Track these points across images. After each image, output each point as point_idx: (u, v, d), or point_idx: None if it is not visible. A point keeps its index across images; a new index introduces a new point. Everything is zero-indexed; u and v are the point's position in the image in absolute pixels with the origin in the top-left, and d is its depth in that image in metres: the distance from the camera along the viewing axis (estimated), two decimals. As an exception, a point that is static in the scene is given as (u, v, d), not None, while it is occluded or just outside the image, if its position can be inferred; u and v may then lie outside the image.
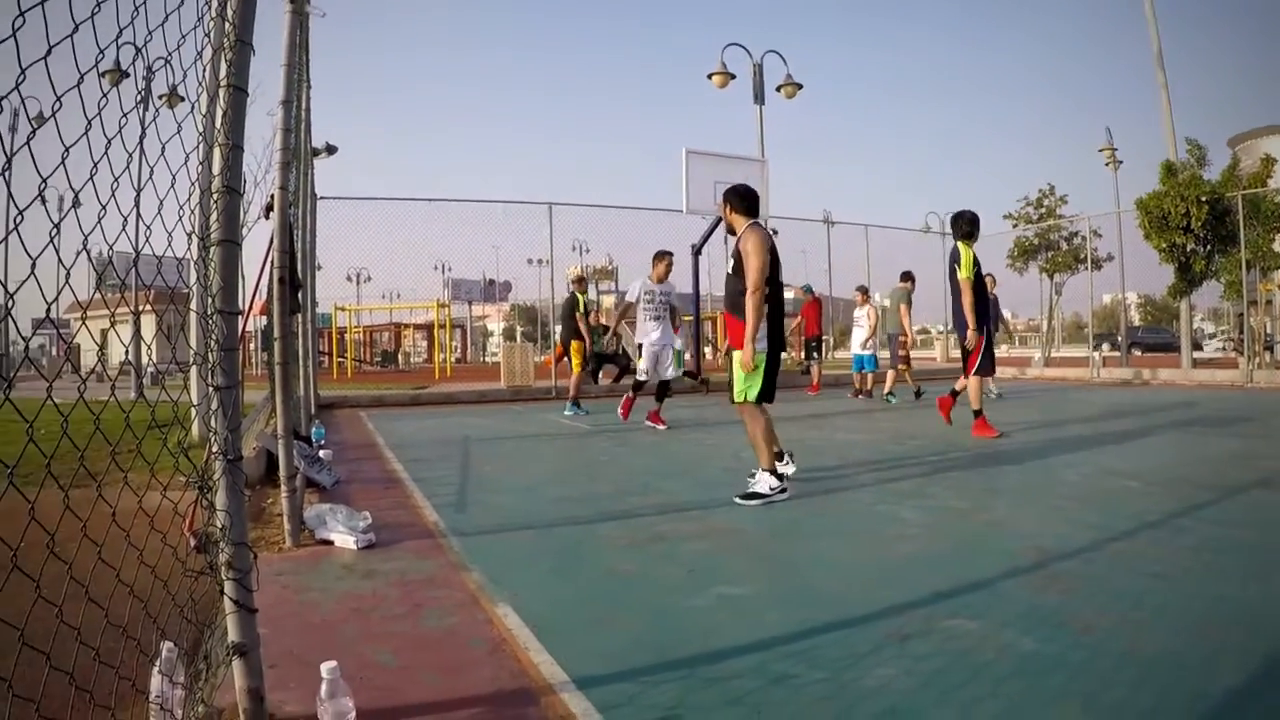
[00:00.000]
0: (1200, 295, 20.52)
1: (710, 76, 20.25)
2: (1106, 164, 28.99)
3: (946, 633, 3.05)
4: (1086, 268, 23.53)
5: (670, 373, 10.44)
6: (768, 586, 3.77)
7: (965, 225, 9.12)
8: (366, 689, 2.56)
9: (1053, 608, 3.32)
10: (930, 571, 3.89)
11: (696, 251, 18.80)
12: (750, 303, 5.53)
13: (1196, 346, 24.68)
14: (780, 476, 5.71)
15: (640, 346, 10.18)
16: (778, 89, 21.12)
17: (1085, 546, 4.23)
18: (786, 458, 6.13)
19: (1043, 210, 26.57)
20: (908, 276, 14.70)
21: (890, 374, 14.50)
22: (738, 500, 5.53)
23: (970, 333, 8.83)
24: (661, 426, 10.22)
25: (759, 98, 20.79)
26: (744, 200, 5.99)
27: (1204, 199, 17.75)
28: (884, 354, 15.03)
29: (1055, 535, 4.49)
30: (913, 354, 14.88)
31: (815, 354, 17.25)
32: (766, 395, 5.85)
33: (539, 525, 5.10)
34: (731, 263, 5.90)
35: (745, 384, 5.79)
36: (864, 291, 15.73)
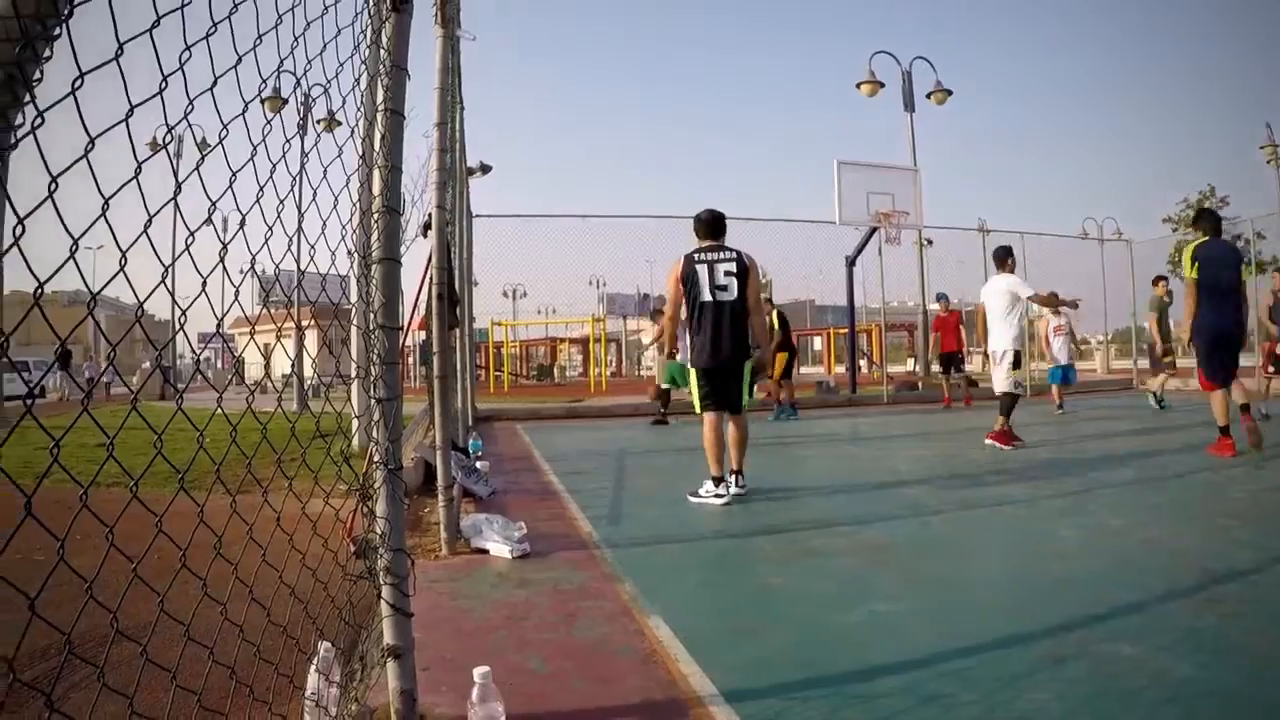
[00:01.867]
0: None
1: (859, 86, 19.97)
2: (1268, 161, 27.08)
3: (1101, 656, 2.89)
4: (1251, 273, 21.96)
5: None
6: (920, 604, 3.65)
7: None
8: (517, 695, 2.59)
9: (1212, 632, 3.11)
10: (1086, 592, 3.71)
11: (851, 263, 18.54)
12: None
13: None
14: (720, 483, 6.16)
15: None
16: (927, 96, 20.68)
17: (1249, 568, 3.94)
18: (731, 479, 6.34)
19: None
20: (1159, 280, 14.11)
21: (1161, 377, 13.98)
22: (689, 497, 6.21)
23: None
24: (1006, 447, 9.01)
25: (909, 105, 20.42)
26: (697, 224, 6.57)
27: None
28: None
29: (1217, 555, 4.21)
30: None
31: (953, 369, 16.34)
32: (708, 404, 6.33)
33: (691, 538, 5.09)
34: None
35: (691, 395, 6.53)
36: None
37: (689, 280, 6.24)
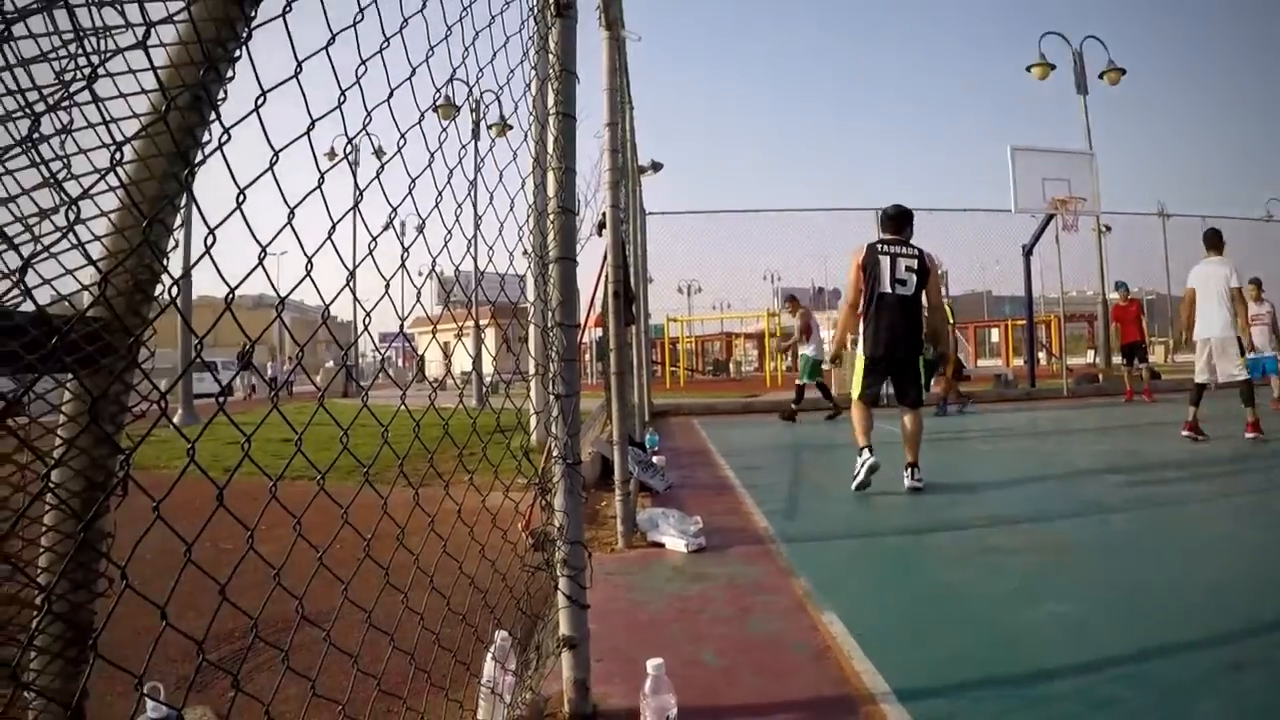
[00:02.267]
0: None
1: (1029, 69, 19.10)
2: None
3: (1282, 664, 2.69)
4: None
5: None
6: (1098, 605, 3.47)
7: None
8: (689, 687, 2.60)
9: None
10: (1269, 596, 3.48)
11: (1028, 252, 17.77)
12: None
13: None
14: (863, 451, 6.23)
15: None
16: (1100, 76, 19.59)
17: None
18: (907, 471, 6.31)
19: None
20: None
21: None
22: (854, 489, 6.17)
23: None
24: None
25: (1081, 87, 19.38)
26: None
27: None
28: None
29: None
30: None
31: (1135, 360, 15.35)
32: (865, 394, 6.40)
33: (867, 534, 5.02)
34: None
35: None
36: (1258, 285, 13.51)
37: (869, 269, 6.21)
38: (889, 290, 6.10)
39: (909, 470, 6.20)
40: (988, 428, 11.40)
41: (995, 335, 46.12)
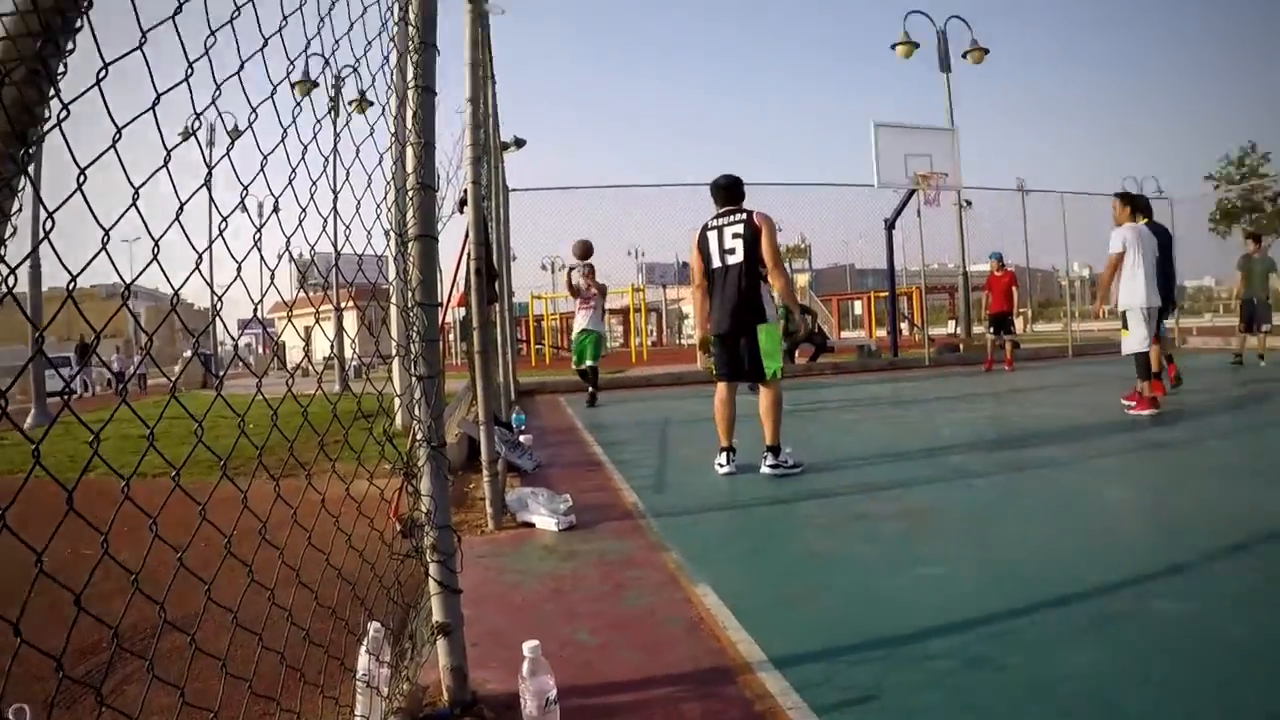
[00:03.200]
0: None
1: (894, 47, 19.71)
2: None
3: (1149, 617, 2.87)
4: None
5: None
6: (966, 567, 3.63)
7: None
8: (567, 667, 2.61)
9: (1262, 592, 3.08)
10: (1134, 553, 3.70)
11: (890, 226, 18.35)
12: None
13: None
14: (722, 453, 6.15)
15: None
16: (963, 55, 20.37)
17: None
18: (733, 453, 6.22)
19: (1244, 170, 24.46)
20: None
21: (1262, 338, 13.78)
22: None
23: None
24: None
25: (944, 65, 20.11)
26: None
27: None
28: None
29: (1268, 515, 4.15)
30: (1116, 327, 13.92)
31: (1001, 330, 15.76)
32: (720, 373, 6.26)
33: (737, 505, 5.11)
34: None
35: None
36: None
37: (703, 247, 6.19)
38: (720, 264, 6.05)
39: (767, 454, 6.02)
40: (852, 398, 11.74)
41: (859, 307, 47.67)
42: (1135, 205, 8.82)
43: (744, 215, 6.04)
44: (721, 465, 6.08)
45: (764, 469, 5.93)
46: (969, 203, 21.55)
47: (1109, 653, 2.58)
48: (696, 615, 3.13)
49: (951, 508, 4.75)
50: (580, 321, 12.57)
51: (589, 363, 12.49)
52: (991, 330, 16.06)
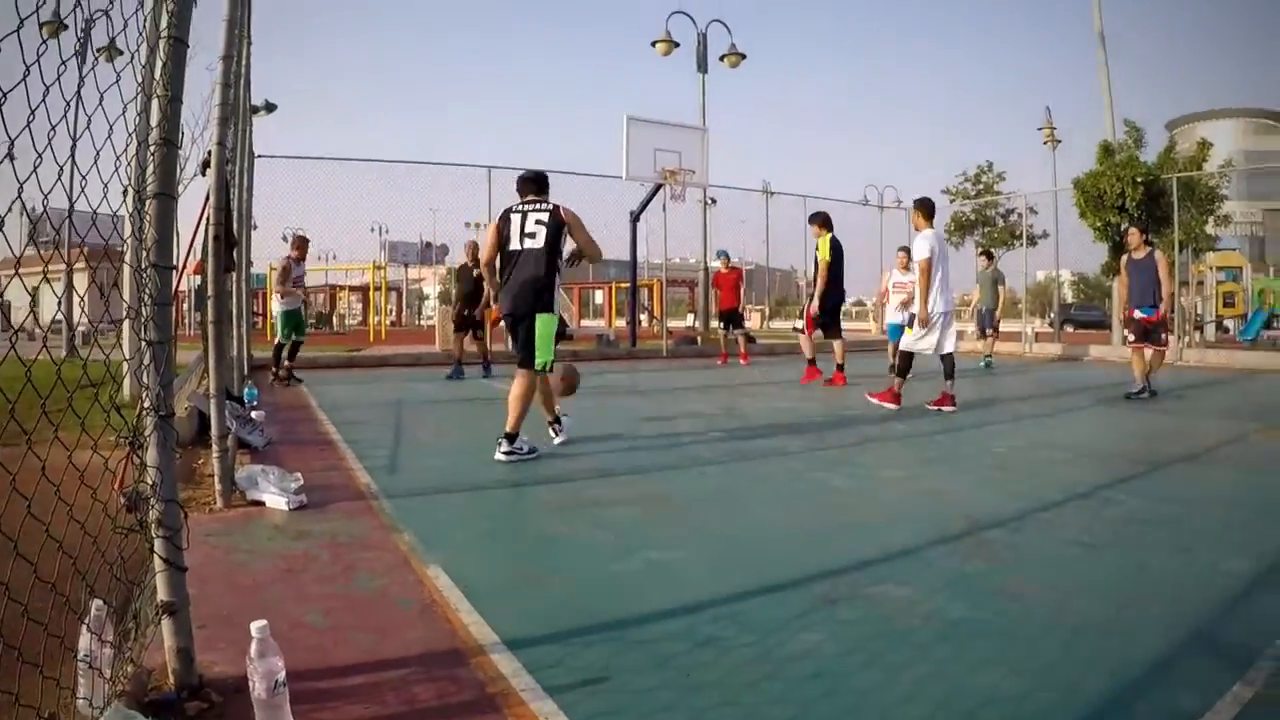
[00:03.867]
0: (1133, 275, 20.88)
1: (654, 44, 20.22)
2: (1045, 142, 29.26)
3: (874, 598, 3.14)
4: (1022, 244, 23.87)
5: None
6: (697, 552, 3.83)
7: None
8: (297, 649, 2.55)
9: (981, 575, 3.43)
10: (859, 539, 3.98)
11: (635, 218, 18.81)
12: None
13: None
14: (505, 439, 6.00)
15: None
16: (721, 58, 21.18)
17: (1014, 516, 4.37)
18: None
19: (980, 186, 26.89)
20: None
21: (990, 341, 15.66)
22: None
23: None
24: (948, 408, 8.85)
25: (702, 66, 20.85)
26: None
27: (1140, 180, 17.72)
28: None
29: (984, 504, 4.65)
30: (848, 327, 14.98)
31: (731, 326, 16.40)
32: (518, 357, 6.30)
33: (471, 488, 5.14)
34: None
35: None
36: (907, 253, 13.70)
37: (503, 228, 6.22)
38: (518, 246, 6.09)
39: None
40: (590, 385, 11.87)
41: (600, 297, 48.41)
42: (931, 212, 9.15)
43: (550, 206, 6.16)
44: (500, 448, 5.94)
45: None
46: (714, 201, 22.46)
47: (836, 632, 2.81)
48: (429, 597, 3.15)
49: (683, 494, 5.00)
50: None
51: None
52: (723, 326, 16.67)
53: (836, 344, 11.75)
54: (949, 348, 8.90)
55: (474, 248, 12.58)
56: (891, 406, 8.82)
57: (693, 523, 4.39)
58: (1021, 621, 2.91)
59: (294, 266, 12.25)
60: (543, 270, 6.03)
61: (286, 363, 12.08)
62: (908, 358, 9.02)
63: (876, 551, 3.72)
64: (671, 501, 4.78)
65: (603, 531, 4.14)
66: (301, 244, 12.65)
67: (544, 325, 6.03)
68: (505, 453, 5.92)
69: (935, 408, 8.80)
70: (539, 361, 6.03)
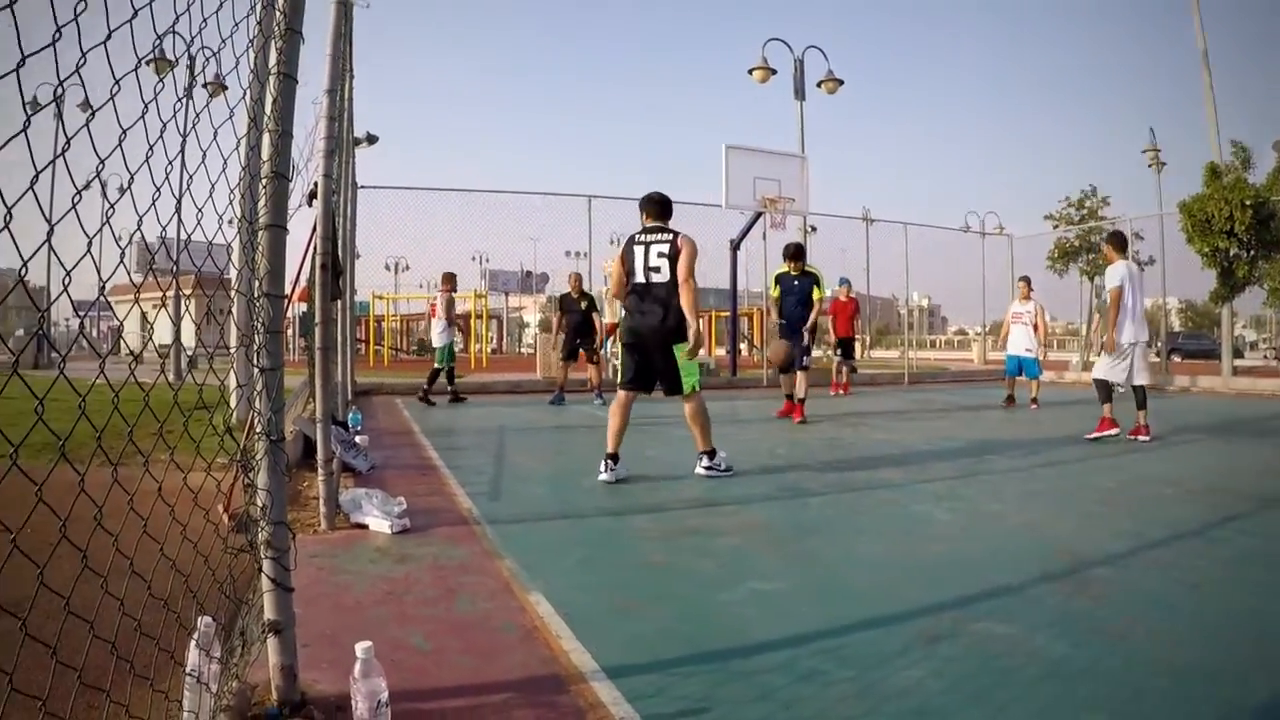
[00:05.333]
0: (1242, 301, 19.89)
1: (751, 72, 20.16)
2: (1149, 165, 28.12)
3: (976, 635, 3.04)
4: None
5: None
6: (798, 583, 3.77)
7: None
8: (399, 670, 2.59)
9: (1085, 613, 3.29)
10: (962, 573, 3.87)
11: (735, 247, 18.75)
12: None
13: (1237, 354, 23.85)
14: (605, 461, 6.20)
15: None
16: (818, 84, 20.99)
17: (1119, 553, 4.18)
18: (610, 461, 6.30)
19: (1084, 211, 26.03)
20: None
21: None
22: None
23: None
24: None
25: (799, 93, 20.66)
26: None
27: (1248, 203, 16.95)
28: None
29: (1089, 540, 4.45)
30: (949, 356, 14.47)
31: (843, 353, 16.24)
32: (624, 382, 6.56)
33: (572, 515, 5.15)
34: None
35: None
36: (1028, 283, 13.93)
37: (628, 260, 6.35)
38: (643, 280, 6.21)
39: (700, 458, 6.44)
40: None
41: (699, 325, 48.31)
42: (1124, 245, 9.23)
43: (670, 235, 6.25)
44: (602, 472, 6.13)
45: (699, 470, 6.39)
46: (814, 228, 22.25)
47: (937, 669, 2.72)
48: (530, 623, 3.15)
49: (786, 525, 4.93)
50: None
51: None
52: (839, 354, 16.41)
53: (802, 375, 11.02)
54: (1141, 380, 8.94)
55: (578, 279, 13.57)
56: (1114, 431, 8.76)
57: (795, 554, 4.32)
58: (1127, 662, 2.78)
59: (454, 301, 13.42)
60: (673, 304, 6.17)
61: (450, 387, 13.51)
62: (1104, 386, 9.02)
63: (979, 587, 3.61)
64: (774, 532, 4.72)
65: (704, 561, 4.10)
66: (451, 279, 13.79)
67: (681, 353, 6.27)
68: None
69: (1131, 437, 8.75)
70: (687, 385, 6.32)
